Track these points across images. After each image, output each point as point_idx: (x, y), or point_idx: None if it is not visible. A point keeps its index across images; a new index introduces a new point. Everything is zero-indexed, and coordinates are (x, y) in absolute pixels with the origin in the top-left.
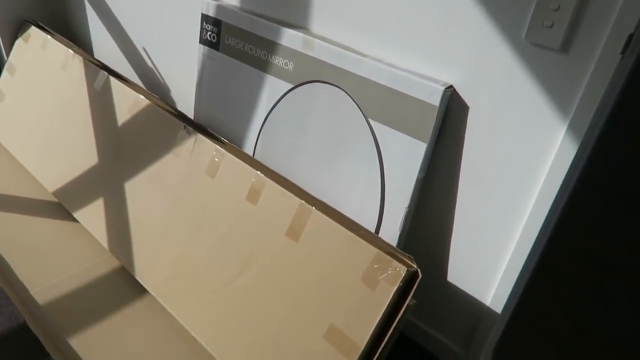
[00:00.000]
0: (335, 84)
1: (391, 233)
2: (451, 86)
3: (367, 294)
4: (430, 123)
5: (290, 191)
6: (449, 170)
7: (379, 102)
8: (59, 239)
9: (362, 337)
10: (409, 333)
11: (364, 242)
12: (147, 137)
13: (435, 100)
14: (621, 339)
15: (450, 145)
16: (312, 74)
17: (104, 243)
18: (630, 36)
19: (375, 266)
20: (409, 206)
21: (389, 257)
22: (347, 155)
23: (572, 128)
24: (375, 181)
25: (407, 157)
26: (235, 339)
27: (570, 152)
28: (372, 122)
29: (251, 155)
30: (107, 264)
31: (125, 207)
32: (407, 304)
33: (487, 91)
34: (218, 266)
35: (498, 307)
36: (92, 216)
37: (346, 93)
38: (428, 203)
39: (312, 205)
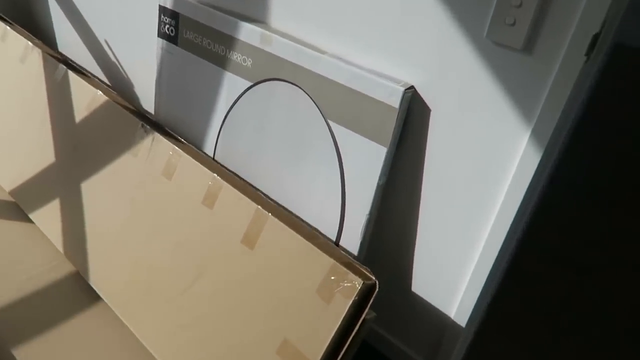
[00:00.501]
0: (294, 83)
1: (352, 241)
2: (412, 87)
3: (322, 307)
4: (390, 126)
5: (248, 196)
6: (411, 175)
7: (338, 103)
8: (12, 241)
9: (316, 353)
10: (375, 344)
11: (320, 252)
12: (105, 135)
13: (395, 101)
14: (597, 340)
15: (412, 148)
16: (270, 71)
17: (59, 246)
18: (595, 37)
19: (332, 278)
20: (370, 213)
21: (345, 269)
22: (307, 157)
23: (537, 130)
24: (336, 186)
25: (368, 161)
26: (188, 352)
27: (536, 155)
28: (331, 123)
29: (212, 155)
30: (61, 268)
31: (82, 209)
32: (364, 318)
33: (449, 92)
34: (172, 274)
35: (463, 319)
36: (48, 217)
37: (305, 92)
38: (391, 210)
39: (269, 212)
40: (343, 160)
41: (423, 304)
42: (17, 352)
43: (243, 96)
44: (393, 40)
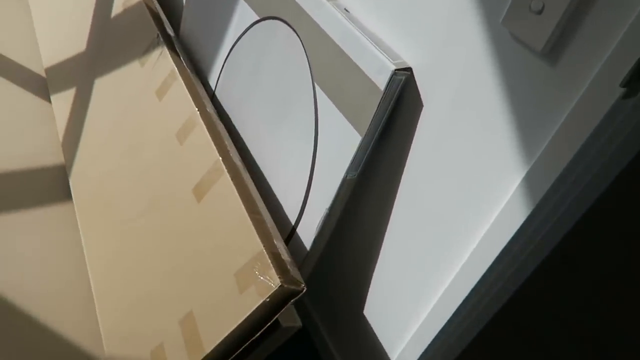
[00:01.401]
0: (293, 27)
1: (308, 233)
2: (409, 69)
3: (234, 294)
4: (370, 110)
5: (216, 144)
6: (387, 180)
7: (327, 65)
8: (27, 114)
9: (211, 341)
10: (322, 355)
11: (254, 233)
12: (128, 37)
13: (382, 81)
14: None
15: (394, 147)
16: (276, 7)
17: (60, 135)
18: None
19: (254, 266)
20: (331, 208)
21: (269, 262)
22: (287, 120)
23: (536, 171)
24: (306, 163)
25: (340, 146)
26: (116, 282)
27: (525, 206)
28: (317, 88)
29: (213, 89)
30: (53, 158)
31: (87, 106)
32: (282, 325)
33: (447, 87)
34: (129, 198)
35: None
36: (62, 104)
37: (301, 42)
38: (358, 212)
39: (226, 168)
40: (319, 137)
41: (369, 331)
42: None
43: (247, 32)
44: (404, 3)
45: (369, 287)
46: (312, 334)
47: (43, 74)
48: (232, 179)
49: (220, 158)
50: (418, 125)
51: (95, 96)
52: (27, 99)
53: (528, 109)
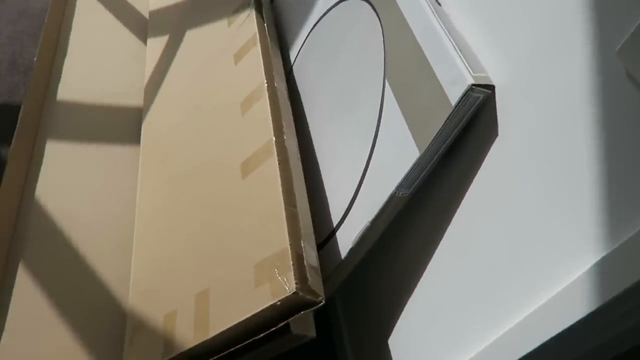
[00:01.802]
0: (377, 11)
1: (345, 241)
2: (491, 87)
3: (249, 285)
4: (435, 126)
5: (275, 122)
6: (440, 207)
7: (402, 60)
8: (119, 52)
9: (217, 326)
10: None
11: (284, 227)
12: None
13: (455, 94)
14: None
15: (455, 175)
16: None
17: (146, 78)
18: None
19: (276, 263)
20: (373, 222)
21: (291, 263)
22: (352, 113)
23: (622, 254)
24: (359, 166)
25: (396, 158)
26: (154, 236)
27: (598, 292)
28: (387, 85)
29: (291, 64)
30: (134, 99)
31: (173, 56)
32: (291, 332)
33: (532, 120)
34: (184, 157)
35: None
36: (155, 50)
37: (381, 29)
38: (404, 234)
39: (276, 149)
40: (378, 139)
41: None
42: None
43: (333, 9)
44: (504, 7)
45: (399, 316)
46: (337, 348)
47: (146, 16)
48: (278, 164)
49: (274, 139)
50: (487, 157)
51: (183, 47)
52: (126, 38)
53: (630, 172)
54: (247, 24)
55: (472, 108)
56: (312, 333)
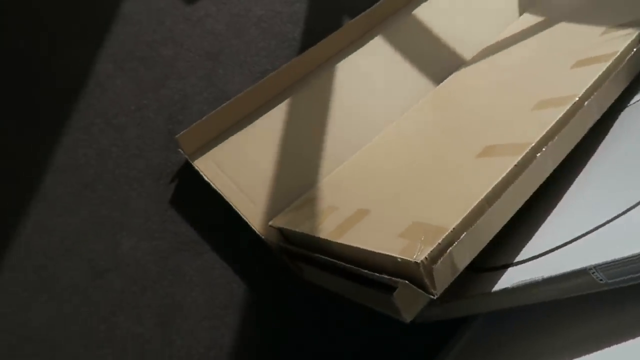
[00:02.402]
0: None
1: (508, 277)
2: None
3: (396, 231)
4: None
5: (550, 130)
6: None
7: None
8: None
9: (347, 239)
10: None
11: (463, 213)
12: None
13: None
14: None
15: None
16: None
17: (495, 39)
18: None
19: (429, 232)
20: (544, 282)
21: (437, 242)
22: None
23: None
24: (596, 219)
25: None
26: (380, 150)
27: None
28: None
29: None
30: (468, 51)
31: (533, 31)
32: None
33: None
34: (457, 112)
35: None
36: (529, 21)
37: None
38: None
39: (524, 154)
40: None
41: None
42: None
43: None
44: None
45: None
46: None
47: None
48: (515, 165)
49: (532, 144)
50: None
51: (548, 30)
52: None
53: None
54: (617, 41)
55: None
56: (407, 317)
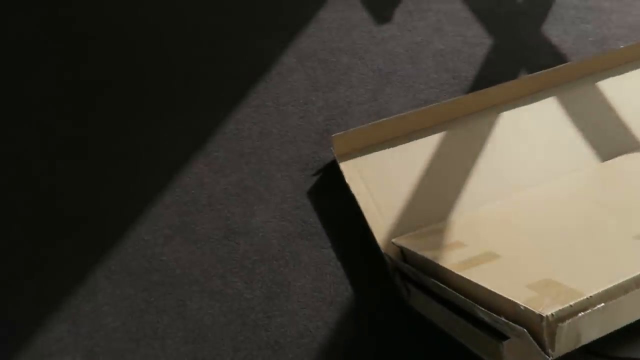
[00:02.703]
0: None
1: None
2: None
3: (526, 280)
4: None
5: None
6: None
7: None
8: None
9: (471, 275)
10: None
11: (605, 285)
12: None
13: None
14: None
15: None
16: None
17: None
18: None
19: (562, 292)
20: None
21: (569, 304)
22: None
23: None
24: None
25: None
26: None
27: None
28: None
29: None
30: None
31: None
32: (494, 329)
33: None
34: (615, 194)
35: None
36: None
37: None
38: None
39: None
40: None
41: None
42: None
43: None
44: None
45: None
46: None
47: None
48: None
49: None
50: None
51: None
52: None
53: None
54: None
55: None
56: None
